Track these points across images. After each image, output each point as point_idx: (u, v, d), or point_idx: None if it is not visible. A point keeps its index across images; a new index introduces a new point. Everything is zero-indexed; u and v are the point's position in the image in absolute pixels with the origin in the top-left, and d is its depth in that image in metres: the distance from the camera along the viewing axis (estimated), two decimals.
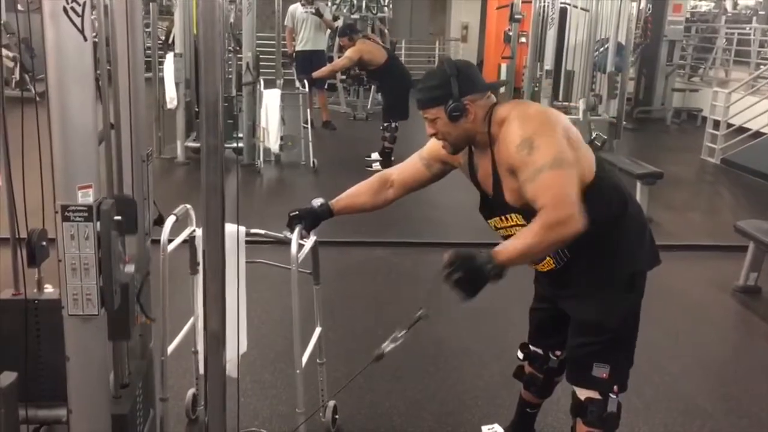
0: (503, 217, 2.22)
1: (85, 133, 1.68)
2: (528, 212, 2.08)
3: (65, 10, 1.59)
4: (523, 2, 8.14)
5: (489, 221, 2.30)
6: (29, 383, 2.18)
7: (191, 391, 2.95)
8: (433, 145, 2.38)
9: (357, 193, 2.50)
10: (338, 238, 5.10)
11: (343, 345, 3.65)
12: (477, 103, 2.13)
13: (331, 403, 2.89)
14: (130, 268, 2.10)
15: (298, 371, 2.48)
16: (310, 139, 7.59)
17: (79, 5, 1.60)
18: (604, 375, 2.23)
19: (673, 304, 4.53)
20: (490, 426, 2.88)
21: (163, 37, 11.92)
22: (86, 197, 1.69)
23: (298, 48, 9.63)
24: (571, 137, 2.10)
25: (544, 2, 7.94)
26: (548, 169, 1.96)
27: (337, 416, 2.94)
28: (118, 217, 1.77)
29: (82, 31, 1.62)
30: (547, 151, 1.98)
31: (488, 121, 2.15)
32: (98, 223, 1.71)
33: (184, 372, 3.16)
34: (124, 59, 2.10)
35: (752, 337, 4.26)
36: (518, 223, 2.18)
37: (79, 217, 1.69)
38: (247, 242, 2.57)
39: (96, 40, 2.32)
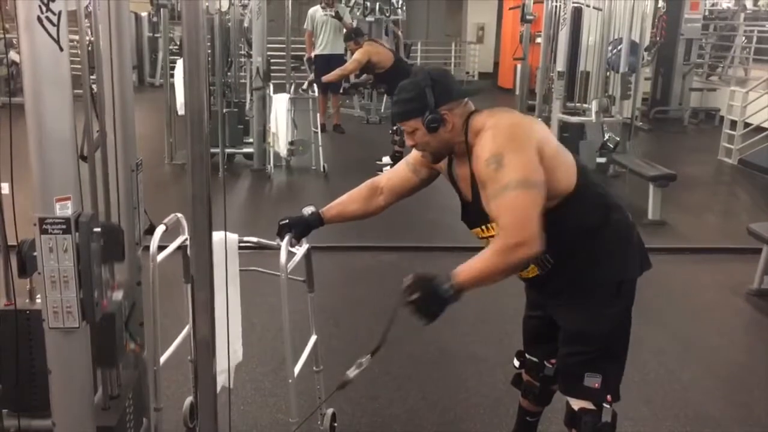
0: (484, 227, 2.22)
1: (63, 144, 1.66)
2: None
3: (40, 19, 1.57)
4: (535, 2, 8.06)
5: (472, 230, 2.29)
6: (22, 393, 2.19)
7: (188, 400, 2.92)
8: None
9: (348, 201, 2.50)
10: (346, 243, 5.08)
11: (346, 352, 3.61)
12: (454, 111, 2.13)
13: (330, 410, 2.85)
14: (117, 296, 2.11)
15: (290, 380, 2.45)
16: (320, 143, 7.57)
17: (55, 14, 1.59)
18: (596, 384, 2.21)
19: (685, 307, 4.46)
20: None
21: (178, 42, 12.00)
22: (64, 209, 1.68)
23: (317, 52, 9.62)
24: (546, 151, 2.05)
25: (556, 2, 7.85)
26: (513, 189, 1.94)
27: (335, 424, 2.90)
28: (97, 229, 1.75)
29: (57, 41, 1.61)
30: (515, 169, 1.96)
31: (465, 131, 2.13)
32: (77, 235, 1.70)
33: (184, 380, 3.14)
34: (108, 68, 2.08)
35: (766, 342, 4.17)
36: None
37: (57, 229, 1.68)
38: (247, 249, 2.56)
39: (89, 48, 2.32)
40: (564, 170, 2.10)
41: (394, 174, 2.48)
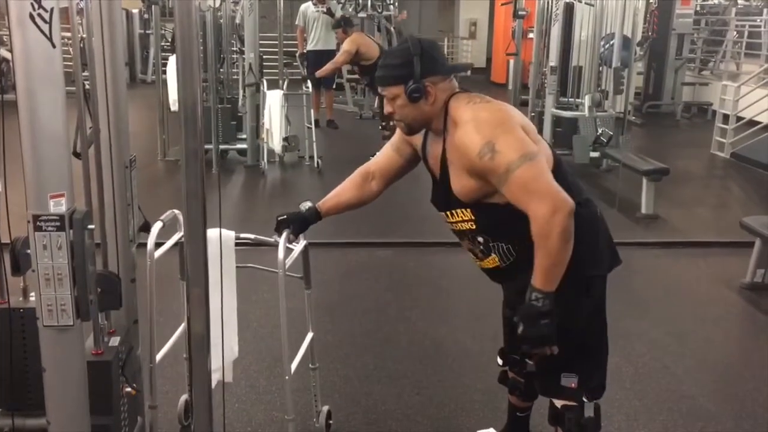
0: (449, 213, 2.20)
1: (56, 140, 1.65)
2: (479, 208, 2.10)
3: (32, 16, 1.56)
4: None
5: (440, 213, 2.27)
6: (16, 392, 2.18)
7: (184, 398, 2.92)
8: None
9: (342, 191, 2.49)
10: (340, 239, 5.08)
11: (341, 349, 3.62)
12: (438, 86, 2.08)
13: (325, 408, 2.85)
14: (114, 341, 2.13)
15: (287, 377, 2.45)
16: (314, 138, 7.56)
17: (47, 11, 1.57)
18: (573, 384, 2.19)
19: (678, 301, 4.47)
20: (485, 431, 2.83)
21: (169, 39, 11.95)
22: (58, 206, 1.67)
23: (309, 47, 9.64)
24: (529, 131, 2.05)
25: None
26: (516, 168, 1.94)
27: (330, 421, 2.90)
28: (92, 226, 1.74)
29: (50, 38, 1.59)
30: (510, 150, 1.96)
31: (445, 110, 2.10)
32: (71, 232, 1.69)
33: (179, 378, 3.14)
34: (101, 65, 2.07)
35: (759, 335, 4.19)
36: (464, 218, 2.17)
37: (51, 226, 1.67)
38: (245, 245, 2.56)
39: (81, 45, 2.31)
40: (544, 152, 2.08)
41: (381, 158, 2.47)
